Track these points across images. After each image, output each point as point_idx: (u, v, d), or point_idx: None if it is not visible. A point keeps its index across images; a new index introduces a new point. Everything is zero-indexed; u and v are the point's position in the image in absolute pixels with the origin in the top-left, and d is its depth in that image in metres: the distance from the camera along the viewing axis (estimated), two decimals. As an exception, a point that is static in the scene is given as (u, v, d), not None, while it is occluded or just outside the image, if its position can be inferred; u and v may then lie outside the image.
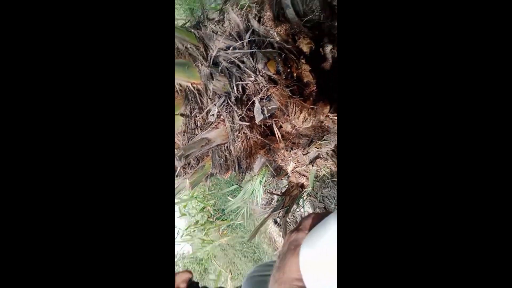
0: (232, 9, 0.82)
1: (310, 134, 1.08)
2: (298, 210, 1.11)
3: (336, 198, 1.23)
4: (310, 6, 1.07)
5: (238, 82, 0.77)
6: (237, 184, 0.93)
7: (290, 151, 1.13)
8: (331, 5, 1.04)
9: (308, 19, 1.03)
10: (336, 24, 1.04)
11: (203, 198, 1.61)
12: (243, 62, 0.78)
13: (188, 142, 0.80)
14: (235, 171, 0.85)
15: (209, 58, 0.75)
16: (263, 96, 0.82)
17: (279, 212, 1.00)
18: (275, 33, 0.92)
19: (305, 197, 1.11)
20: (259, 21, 0.92)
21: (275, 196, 1.47)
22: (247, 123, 0.79)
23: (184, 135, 0.82)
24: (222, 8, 0.86)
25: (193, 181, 0.79)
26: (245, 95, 0.81)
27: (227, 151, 0.84)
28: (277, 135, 0.97)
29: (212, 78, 0.74)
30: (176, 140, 0.84)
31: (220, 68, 0.76)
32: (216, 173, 0.86)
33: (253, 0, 0.92)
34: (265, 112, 0.81)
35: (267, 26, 0.93)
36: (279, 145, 1.02)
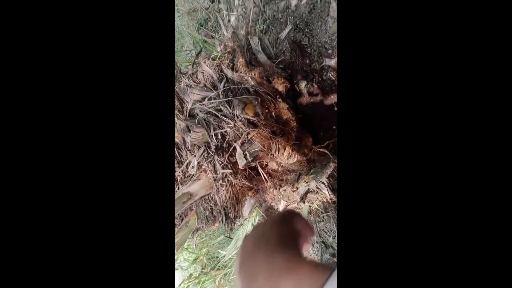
0: (204, 62, 0.85)
1: (297, 169, 1.07)
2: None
3: (333, 230, 1.18)
4: (280, 48, 1.13)
5: (217, 131, 0.77)
6: (226, 236, 0.87)
7: (279, 188, 1.10)
8: (300, 45, 1.10)
9: (280, 61, 1.08)
10: (307, 61, 1.10)
11: (195, 248, 1.51)
12: (220, 110, 0.78)
13: (171, 197, 0.76)
14: (222, 222, 0.80)
15: (184, 111, 0.75)
16: (244, 141, 0.81)
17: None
18: (249, 77, 0.95)
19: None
20: (232, 68, 0.95)
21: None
22: (230, 170, 0.77)
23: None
24: (194, 62, 0.89)
25: (178, 241, 0.74)
26: (225, 142, 0.80)
27: (212, 202, 0.81)
28: (263, 175, 0.95)
29: (189, 131, 0.73)
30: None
31: (197, 119, 0.76)
32: (202, 227, 0.81)
33: (224, 51, 0.96)
34: (248, 156, 0.80)
35: (241, 72, 0.96)
36: (266, 184, 0.99)
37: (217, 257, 1.45)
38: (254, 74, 1.00)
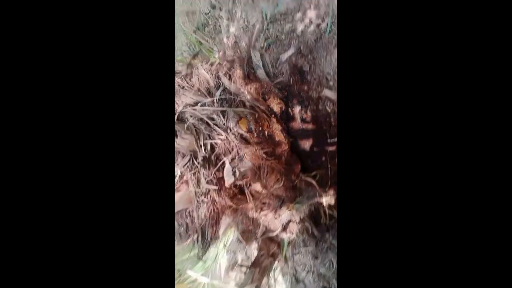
0: (201, 65, 0.79)
1: (282, 194, 1.02)
2: (267, 286, 0.96)
3: (307, 265, 1.12)
4: (280, 69, 1.12)
5: (207, 141, 0.70)
6: (199, 258, 0.78)
7: (259, 212, 1.03)
8: (301, 71, 1.09)
9: (278, 81, 1.06)
10: (305, 88, 1.09)
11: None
12: (212, 119, 0.72)
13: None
14: (197, 242, 0.71)
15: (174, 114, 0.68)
16: (234, 157, 0.75)
17: (247, 290, 0.84)
18: (245, 91, 0.90)
19: (277, 268, 0.98)
20: (230, 78, 0.91)
21: (241, 258, 1.30)
22: (215, 187, 0.69)
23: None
24: (190, 62, 0.83)
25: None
26: (214, 155, 0.73)
27: (189, 218, 0.71)
28: (247, 196, 0.88)
29: (176, 136, 0.65)
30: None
31: (186, 125, 0.69)
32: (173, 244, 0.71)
33: (223, 58, 0.91)
34: (237, 174, 0.73)
35: (237, 84, 0.91)
36: (248, 205, 0.92)
37: (178, 270, 1.31)
38: (250, 89, 0.96)
